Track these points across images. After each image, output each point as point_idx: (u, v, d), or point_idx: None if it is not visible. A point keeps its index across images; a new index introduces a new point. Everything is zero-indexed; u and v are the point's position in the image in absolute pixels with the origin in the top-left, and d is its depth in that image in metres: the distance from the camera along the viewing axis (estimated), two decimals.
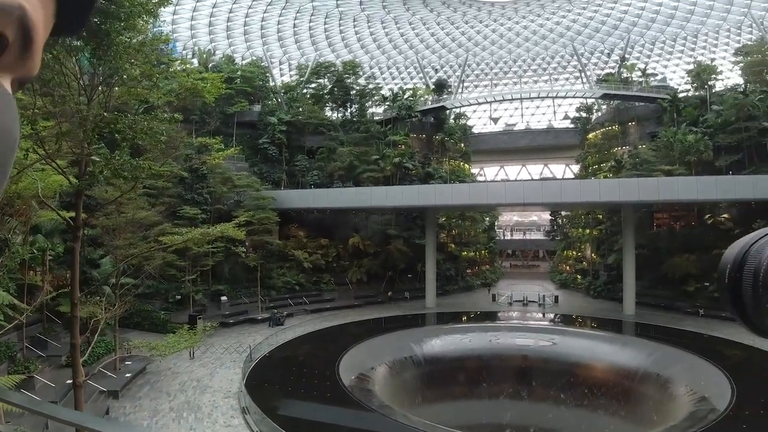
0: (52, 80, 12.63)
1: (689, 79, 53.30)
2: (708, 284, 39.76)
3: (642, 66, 62.81)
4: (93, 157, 15.03)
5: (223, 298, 41.03)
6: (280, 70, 71.23)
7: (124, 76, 16.14)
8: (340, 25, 68.22)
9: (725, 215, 44.09)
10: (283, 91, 62.31)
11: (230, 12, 60.35)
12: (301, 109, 57.21)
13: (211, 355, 30.01)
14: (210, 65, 53.39)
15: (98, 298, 23.02)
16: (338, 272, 49.84)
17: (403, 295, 48.67)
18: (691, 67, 56.54)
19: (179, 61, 28.59)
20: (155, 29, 19.68)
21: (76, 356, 14.32)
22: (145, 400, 23.00)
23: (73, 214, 15.85)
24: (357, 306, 45.24)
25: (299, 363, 29.55)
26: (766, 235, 0.83)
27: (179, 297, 38.00)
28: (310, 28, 67.46)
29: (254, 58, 64.40)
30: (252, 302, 42.01)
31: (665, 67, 70.60)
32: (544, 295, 47.22)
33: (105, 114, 14.19)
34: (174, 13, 54.79)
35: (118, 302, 23.38)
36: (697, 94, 50.15)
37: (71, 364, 14.70)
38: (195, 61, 53.76)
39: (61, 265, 28.64)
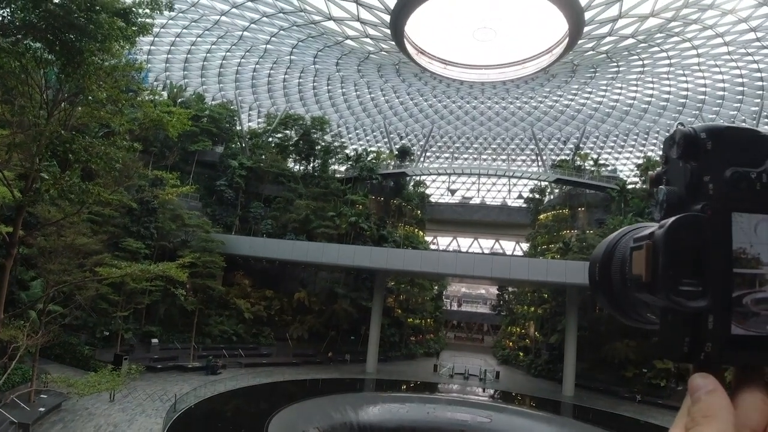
0: (15, 89, 12.13)
1: (638, 172, 56.46)
2: (646, 371, 40.57)
3: (595, 156, 66.60)
4: (42, 174, 14.34)
5: (154, 340, 38.78)
6: (249, 115, 71.55)
7: (90, 97, 15.75)
8: (314, 80, 69.69)
9: None
10: (248, 136, 62.27)
11: (208, 52, 60.72)
12: (263, 157, 57.07)
13: (133, 400, 27.96)
14: (179, 100, 52.92)
15: (22, 322, 21.30)
16: (279, 326, 48.18)
17: (344, 357, 47.27)
18: (640, 161, 60.15)
19: (148, 91, 28.13)
20: (130, 56, 19.45)
21: None
22: None
23: (10, 229, 14.92)
24: (295, 364, 43.55)
25: (226, 419, 27.92)
26: (632, 230, 0.84)
27: (107, 333, 35.75)
28: (284, 80, 68.56)
29: (225, 99, 64.51)
30: (184, 348, 39.80)
31: (616, 159, 75.27)
32: (485, 370, 46.96)
33: (62, 132, 13.70)
34: (151, 44, 54.61)
35: (43, 330, 21.65)
36: (644, 186, 52.90)
37: None
38: (165, 94, 53.23)
39: None
